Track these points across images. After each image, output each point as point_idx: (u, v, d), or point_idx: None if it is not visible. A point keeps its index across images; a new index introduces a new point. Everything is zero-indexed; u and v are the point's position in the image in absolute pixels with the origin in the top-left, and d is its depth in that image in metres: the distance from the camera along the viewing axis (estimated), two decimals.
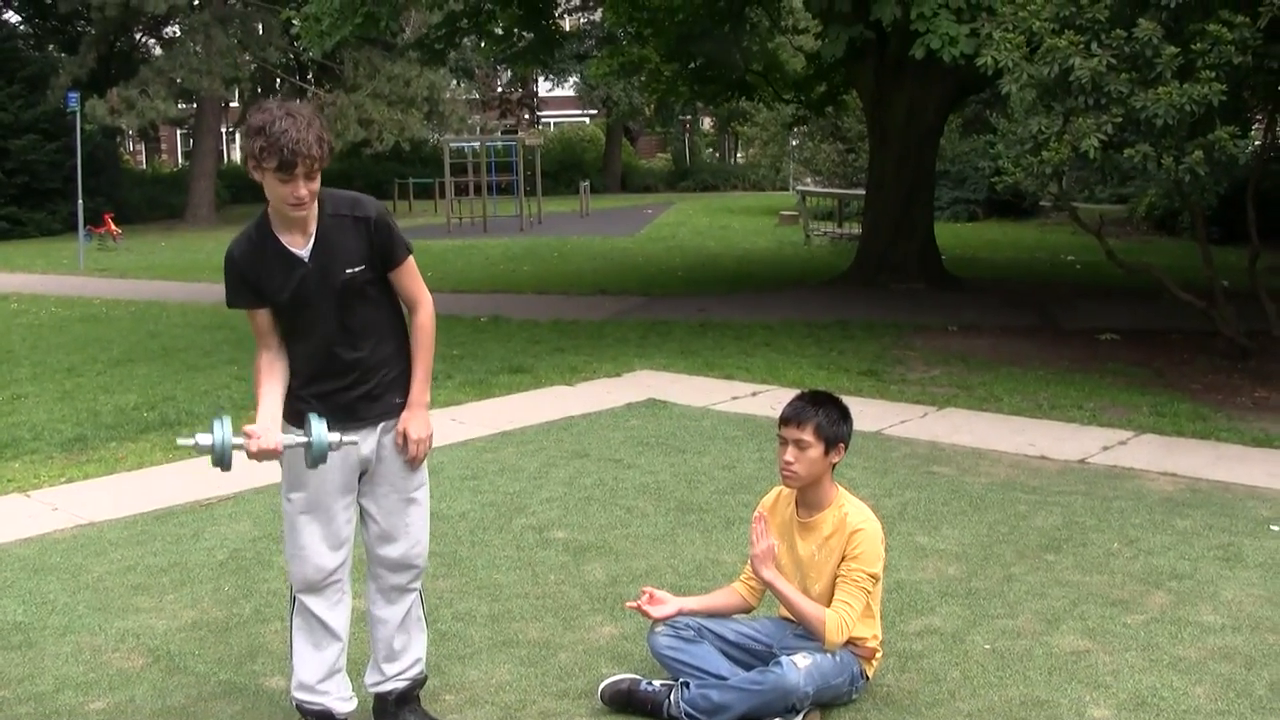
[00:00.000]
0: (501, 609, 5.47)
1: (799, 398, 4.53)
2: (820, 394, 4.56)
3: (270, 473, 4.18)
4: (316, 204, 3.92)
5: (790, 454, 4.41)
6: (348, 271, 3.99)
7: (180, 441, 3.97)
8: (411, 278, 4.17)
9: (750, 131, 44.17)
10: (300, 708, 4.22)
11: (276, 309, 4.02)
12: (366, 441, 4.12)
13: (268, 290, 3.97)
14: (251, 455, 3.93)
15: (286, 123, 3.74)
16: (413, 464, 4.18)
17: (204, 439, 3.87)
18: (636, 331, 13.42)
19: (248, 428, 3.94)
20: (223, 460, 3.91)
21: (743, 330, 13.30)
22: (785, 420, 4.46)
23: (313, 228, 3.97)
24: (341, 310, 4.01)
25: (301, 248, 3.96)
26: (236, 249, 4.01)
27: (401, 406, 4.18)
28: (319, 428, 3.89)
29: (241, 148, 4.08)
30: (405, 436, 4.14)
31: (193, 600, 5.67)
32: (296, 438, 3.94)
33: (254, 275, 3.97)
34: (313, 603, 4.14)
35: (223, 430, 3.86)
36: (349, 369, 4.06)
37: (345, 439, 3.95)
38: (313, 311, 3.99)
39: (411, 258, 4.16)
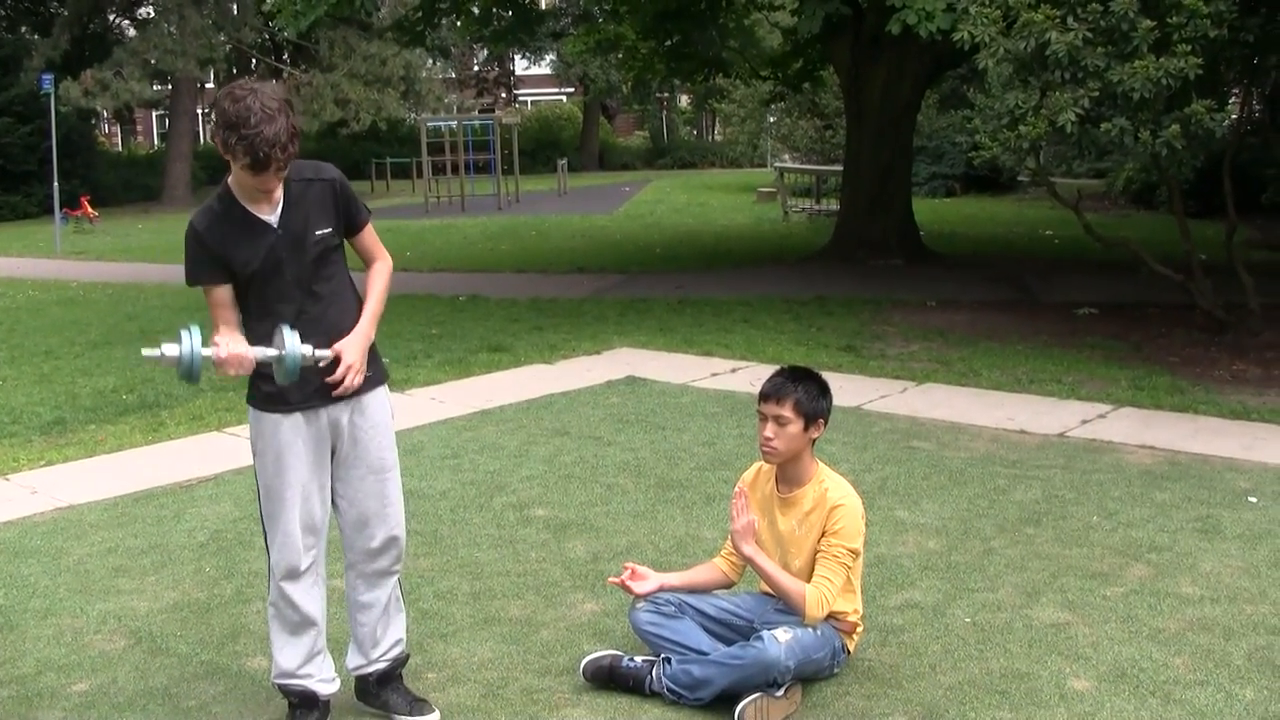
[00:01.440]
0: (483, 587, 5.47)
1: (778, 374, 4.54)
2: (799, 370, 4.57)
3: (249, 454, 4.15)
4: None
5: (770, 430, 4.42)
6: (318, 233, 3.98)
7: (145, 353, 3.81)
8: (373, 239, 4.20)
9: (727, 108, 44.04)
10: (282, 689, 4.22)
11: (243, 282, 3.96)
12: (338, 421, 4.09)
13: (236, 261, 3.90)
14: (219, 364, 3.82)
15: (260, 119, 3.70)
16: (340, 390, 3.97)
17: (170, 349, 3.75)
18: (615, 309, 13.42)
19: (216, 337, 3.86)
20: (190, 371, 3.78)
21: (721, 307, 13.31)
22: (765, 396, 4.46)
23: (278, 195, 3.94)
24: (313, 276, 3.99)
25: (270, 214, 3.94)
26: (200, 222, 3.95)
27: (370, 381, 4.12)
28: (292, 339, 3.80)
29: (212, 132, 4.02)
30: (337, 358, 3.95)
31: (174, 581, 5.66)
32: (268, 350, 3.84)
33: (220, 247, 3.91)
34: (291, 589, 4.11)
35: (190, 339, 3.75)
36: (316, 335, 3.97)
37: (319, 353, 3.87)
38: (282, 280, 3.95)
39: (369, 222, 4.18)
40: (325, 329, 4.00)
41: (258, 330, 3.97)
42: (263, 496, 4.11)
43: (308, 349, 3.84)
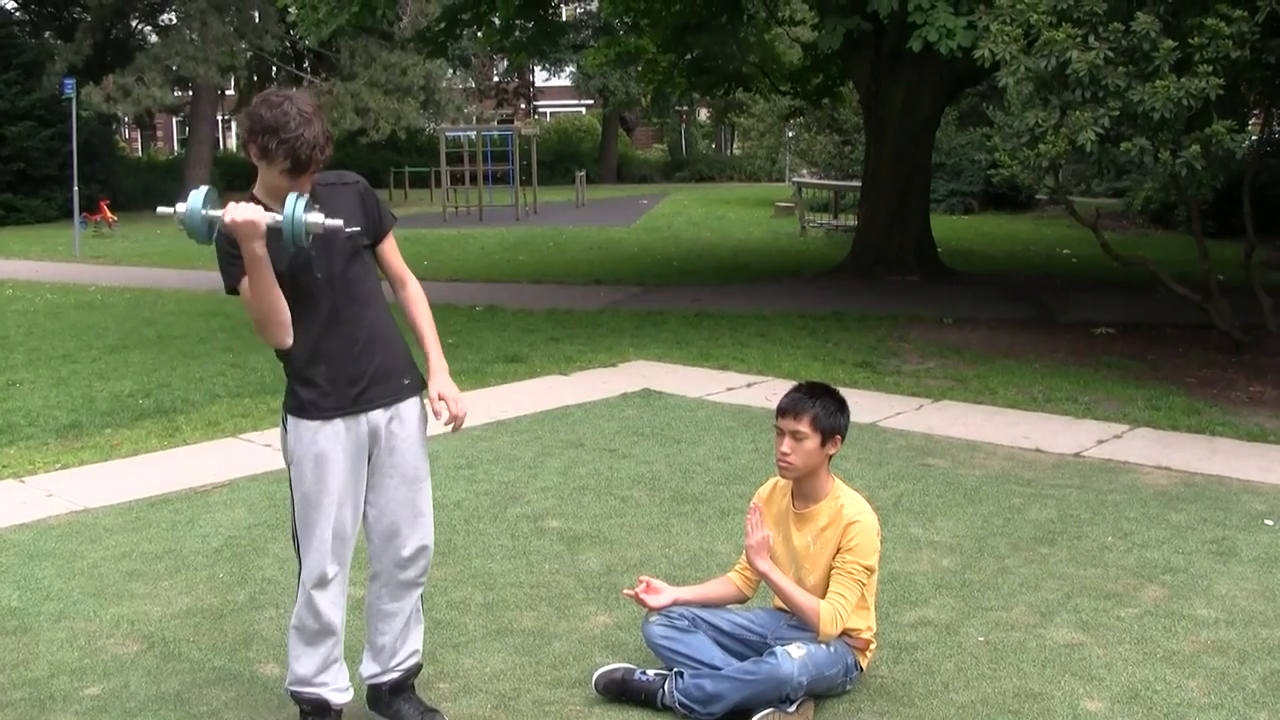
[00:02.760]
0: (496, 598, 5.47)
1: (796, 389, 4.53)
2: (818, 385, 4.56)
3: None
4: None
5: (787, 445, 4.41)
6: (347, 231, 3.97)
7: (160, 210, 3.85)
8: (396, 253, 4.22)
9: (746, 123, 44.08)
10: (296, 696, 4.21)
11: (286, 290, 3.91)
12: (375, 428, 4.09)
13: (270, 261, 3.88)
14: (232, 226, 3.70)
15: (299, 124, 3.75)
16: (455, 424, 4.12)
17: (182, 206, 3.75)
18: (632, 321, 13.42)
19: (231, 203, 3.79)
20: (195, 228, 3.75)
21: (738, 321, 13.30)
22: (782, 411, 4.46)
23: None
24: (344, 274, 3.99)
25: None
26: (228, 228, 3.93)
27: (409, 389, 4.16)
28: (297, 205, 3.73)
29: (245, 136, 4.01)
30: (443, 399, 4.09)
31: (187, 587, 5.67)
32: (277, 216, 3.76)
33: None
34: (321, 599, 4.10)
35: (200, 196, 3.74)
36: (355, 338, 4.01)
37: (329, 223, 3.78)
38: (313, 279, 3.94)
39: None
40: (367, 329, 4.03)
41: (296, 327, 3.95)
42: (298, 505, 4.09)
43: (317, 217, 3.75)
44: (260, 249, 3.74)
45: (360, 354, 4.04)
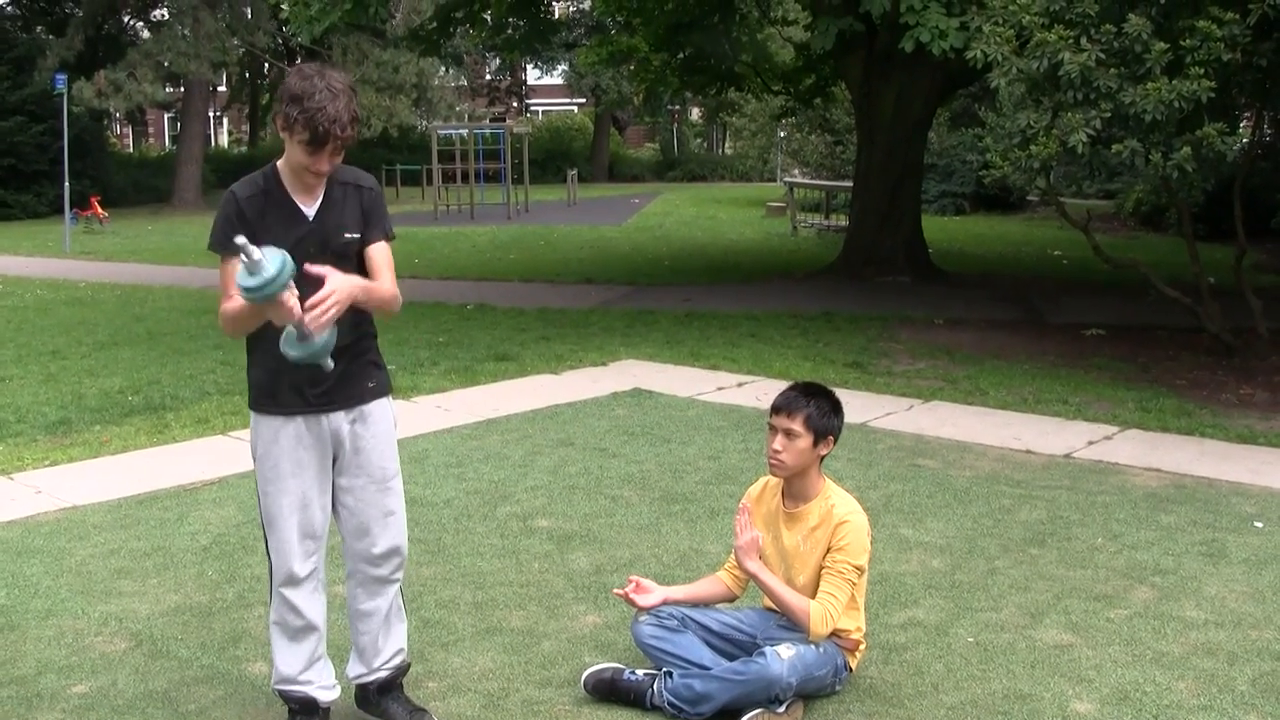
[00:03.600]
0: (485, 597, 5.46)
1: (791, 388, 4.54)
2: (813, 385, 4.56)
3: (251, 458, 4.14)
4: None
5: (779, 443, 4.41)
6: (346, 236, 3.98)
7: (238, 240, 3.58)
8: (389, 263, 4.09)
9: (738, 122, 44.07)
10: (282, 695, 4.20)
11: None
12: (340, 429, 4.07)
13: (264, 240, 3.80)
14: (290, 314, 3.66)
15: (324, 97, 3.75)
16: (311, 313, 3.65)
17: (257, 254, 3.55)
18: (622, 321, 13.42)
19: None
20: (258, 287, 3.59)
21: (729, 321, 13.31)
22: (776, 409, 4.46)
23: (321, 190, 3.97)
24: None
25: (308, 206, 3.96)
26: (241, 190, 3.96)
27: (374, 391, 4.13)
28: (274, 256, 3.59)
29: (278, 103, 4.02)
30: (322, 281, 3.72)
31: (176, 585, 5.65)
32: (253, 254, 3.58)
33: (254, 218, 3.90)
34: (292, 595, 4.10)
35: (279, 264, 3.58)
36: (338, 332, 3.97)
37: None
38: (303, 274, 3.92)
39: (390, 246, 4.12)
40: (342, 335, 3.94)
41: (272, 330, 3.90)
42: (262, 502, 4.10)
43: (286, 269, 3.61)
44: (277, 323, 3.73)
45: (336, 356, 3.99)
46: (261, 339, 3.98)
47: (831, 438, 4.45)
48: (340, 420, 4.07)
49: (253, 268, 3.55)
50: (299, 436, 4.01)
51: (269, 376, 4.00)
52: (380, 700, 4.30)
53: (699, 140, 62.01)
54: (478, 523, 6.51)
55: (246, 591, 5.55)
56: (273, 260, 3.57)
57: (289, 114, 3.77)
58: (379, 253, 4.08)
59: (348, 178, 4.06)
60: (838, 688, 4.44)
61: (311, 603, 4.14)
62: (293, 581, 4.08)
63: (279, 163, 3.98)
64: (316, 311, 3.66)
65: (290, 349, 3.74)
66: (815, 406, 4.41)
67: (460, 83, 52.90)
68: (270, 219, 3.91)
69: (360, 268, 4.04)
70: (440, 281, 17.18)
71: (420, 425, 8.48)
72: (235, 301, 3.80)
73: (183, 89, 38.59)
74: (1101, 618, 5.18)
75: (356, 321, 4.04)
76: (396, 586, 4.29)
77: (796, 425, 4.38)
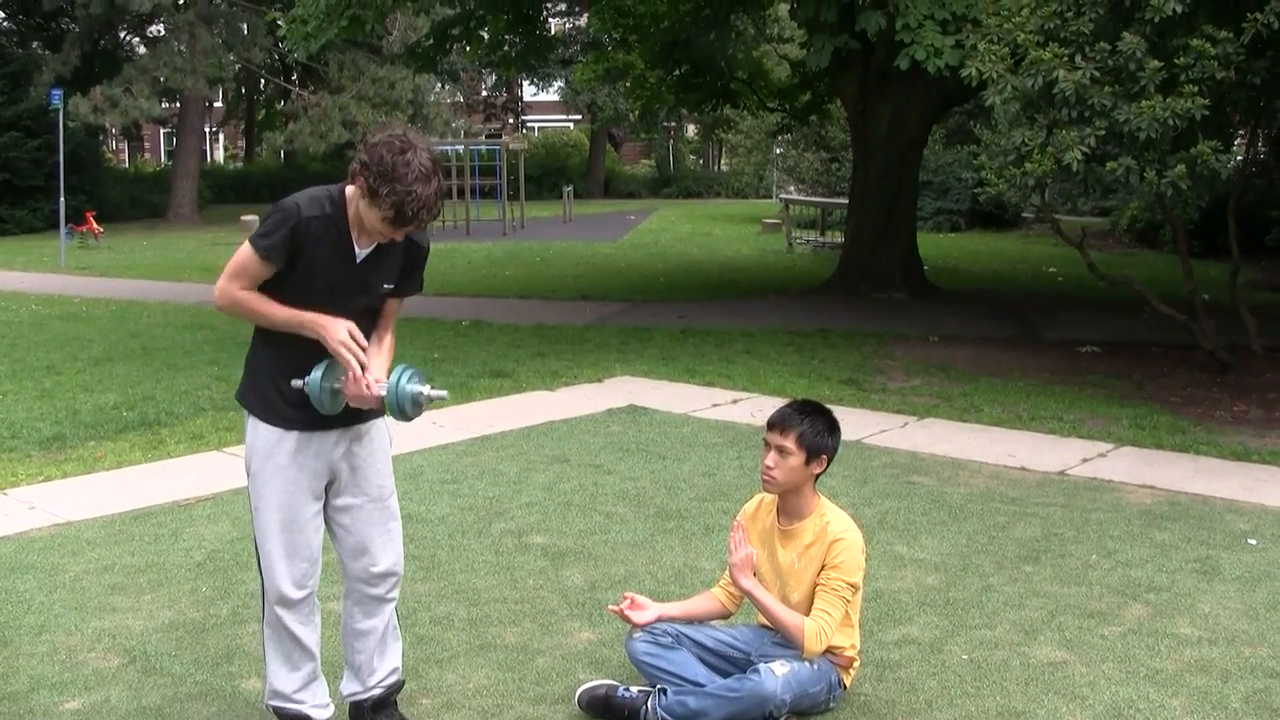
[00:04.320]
0: (480, 613, 5.46)
1: (789, 405, 4.54)
2: (810, 404, 4.56)
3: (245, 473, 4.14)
4: None
5: (771, 459, 4.42)
6: (385, 287, 4.02)
7: (294, 384, 3.93)
8: (397, 313, 4.21)
9: (734, 139, 44.18)
10: (277, 712, 4.20)
11: (292, 286, 3.89)
12: (338, 448, 4.09)
13: (310, 264, 3.86)
14: (350, 397, 3.95)
15: (417, 181, 3.71)
16: (355, 389, 3.93)
17: (296, 382, 3.92)
18: (618, 337, 13.43)
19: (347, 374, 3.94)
20: (320, 401, 3.94)
21: (724, 337, 13.31)
22: (771, 425, 4.47)
23: (376, 239, 3.96)
24: (361, 319, 3.98)
25: (362, 249, 3.96)
26: (307, 208, 3.87)
27: (370, 414, 4.14)
28: (402, 378, 3.97)
29: (357, 167, 3.98)
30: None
31: (170, 601, 5.64)
32: (383, 391, 3.97)
33: (306, 241, 3.86)
34: (287, 618, 4.09)
35: (320, 371, 3.92)
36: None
37: (432, 393, 4.02)
38: (330, 305, 3.92)
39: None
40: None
41: (290, 339, 3.95)
42: (255, 517, 4.09)
43: (421, 387, 3.99)
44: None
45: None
46: (277, 349, 4.00)
47: (825, 457, 4.45)
48: (337, 439, 4.07)
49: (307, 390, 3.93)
50: (296, 452, 4.01)
51: (278, 391, 4.00)
52: (375, 718, 4.30)
53: (694, 157, 62.09)
54: (472, 539, 6.50)
55: (240, 608, 5.54)
56: (310, 377, 3.92)
57: (377, 189, 3.72)
58: (395, 305, 4.16)
59: (412, 233, 4.00)
60: (832, 705, 4.44)
61: (307, 628, 4.13)
62: (286, 604, 4.08)
63: (350, 198, 3.92)
64: (357, 393, 3.92)
65: (317, 392, 3.93)
66: (809, 424, 4.42)
67: (456, 99, 52.95)
68: (324, 247, 3.89)
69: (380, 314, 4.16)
70: (436, 298, 17.16)
71: (415, 441, 8.48)
72: (267, 304, 3.91)
73: (179, 104, 38.58)
74: (1095, 635, 5.18)
75: (375, 366, 4.08)
76: (393, 605, 4.30)
77: (789, 443, 4.38)
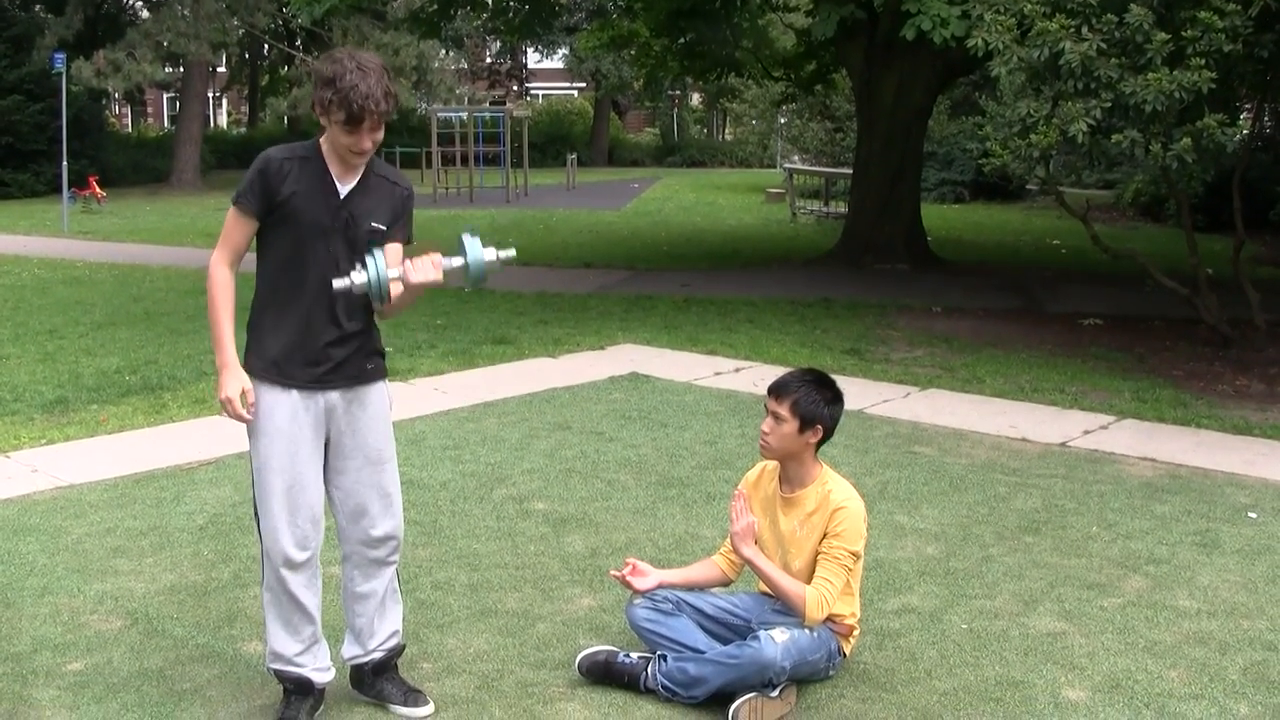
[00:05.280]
0: (480, 579, 5.47)
1: (792, 372, 4.55)
2: (813, 373, 4.56)
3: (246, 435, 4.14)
4: None
5: (767, 424, 4.43)
6: (373, 224, 4.03)
7: (336, 284, 3.87)
8: (402, 256, 4.16)
9: (739, 108, 44.04)
10: (278, 674, 4.21)
11: (283, 236, 3.96)
12: (337, 410, 4.08)
13: (290, 204, 3.93)
14: (411, 283, 3.94)
15: (356, 76, 3.81)
16: (410, 276, 3.95)
17: (358, 277, 3.85)
18: (620, 305, 13.42)
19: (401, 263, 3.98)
20: (380, 292, 3.91)
21: (727, 306, 13.31)
22: (770, 390, 4.48)
23: (358, 175, 4.02)
24: (350, 259, 3.98)
25: (344, 185, 4.00)
26: (277, 152, 4.00)
27: (372, 373, 4.16)
28: (474, 245, 3.93)
29: (313, 90, 4.09)
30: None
31: (172, 564, 5.66)
32: (453, 261, 3.95)
33: (283, 184, 3.93)
34: (290, 580, 4.09)
35: (376, 264, 3.88)
36: (338, 323, 4.02)
37: (501, 253, 4.00)
38: (322, 247, 3.96)
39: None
40: (355, 323, 4.07)
41: (281, 284, 4.00)
42: (256, 479, 4.09)
43: (491, 254, 3.97)
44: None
45: (339, 339, 4.04)
46: (281, 308, 4.02)
47: (820, 426, 4.43)
48: (336, 400, 4.08)
49: (362, 290, 3.89)
50: (296, 413, 4.02)
51: (280, 347, 4.01)
52: (375, 681, 4.32)
53: (699, 126, 61.90)
54: (474, 505, 6.52)
55: (242, 571, 5.56)
56: (367, 270, 3.88)
57: (324, 97, 3.84)
58: (397, 253, 4.13)
59: (386, 173, 4.14)
60: (831, 673, 4.46)
61: (309, 591, 4.14)
62: (290, 565, 4.08)
63: (322, 139, 4.02)
64: (420, 278, 3.93)
65: (382, 283, 3.89)
66: (805, 393, 4.41)
67: (460, 66, 52.77)
68: (304, 186, 3.95)
69: None
70: None
71: (417, 408, 8.49)
72: (219, 309, 4.07)
73: (182, 69, 38.45)
74: (1095, 606, 5.19)
75: (366, 304, 4.07)
76: (393, 569, 4.31)
77: (783, 409, 4.39)
